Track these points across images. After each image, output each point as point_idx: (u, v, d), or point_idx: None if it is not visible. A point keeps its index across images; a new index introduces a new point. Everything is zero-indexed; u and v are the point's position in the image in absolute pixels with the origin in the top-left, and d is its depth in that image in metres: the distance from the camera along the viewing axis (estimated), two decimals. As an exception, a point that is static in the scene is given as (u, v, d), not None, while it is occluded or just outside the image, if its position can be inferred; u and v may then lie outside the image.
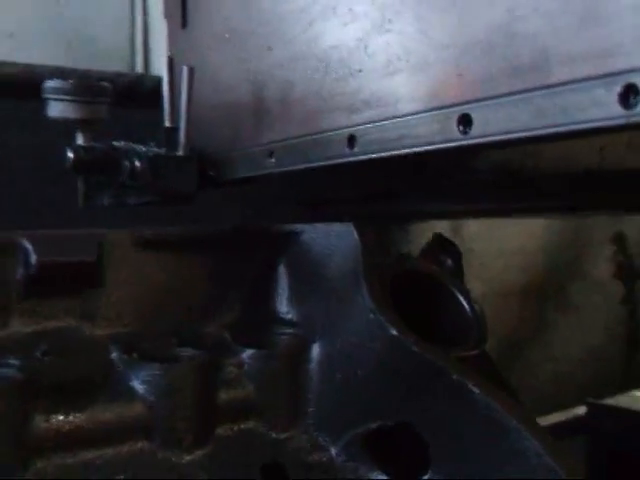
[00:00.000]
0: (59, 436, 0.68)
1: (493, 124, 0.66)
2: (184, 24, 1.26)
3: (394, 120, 0.77)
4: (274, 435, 0.80)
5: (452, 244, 0.93)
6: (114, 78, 1.43)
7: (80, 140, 1.11)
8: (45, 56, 1.69)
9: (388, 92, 0.79)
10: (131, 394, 0.72)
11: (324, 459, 0.81)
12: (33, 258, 0.72)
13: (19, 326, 0.74)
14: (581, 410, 2.06)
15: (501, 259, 2.26)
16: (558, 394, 2.25)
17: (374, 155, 0.80)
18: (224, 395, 0.78)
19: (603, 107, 0.56)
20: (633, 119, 0.54)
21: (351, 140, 0.83)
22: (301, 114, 0.95)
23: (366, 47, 0.82)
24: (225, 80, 1.13)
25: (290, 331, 0.87)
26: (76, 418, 0.68)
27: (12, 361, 0.70)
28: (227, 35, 1.12)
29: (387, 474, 0.80)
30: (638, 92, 0.54)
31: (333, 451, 0.81)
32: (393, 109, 0.78)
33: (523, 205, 1.40)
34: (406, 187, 1.16)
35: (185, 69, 1.04)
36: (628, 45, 0.55)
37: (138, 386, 0.73)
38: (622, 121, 0.55)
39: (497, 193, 1.19)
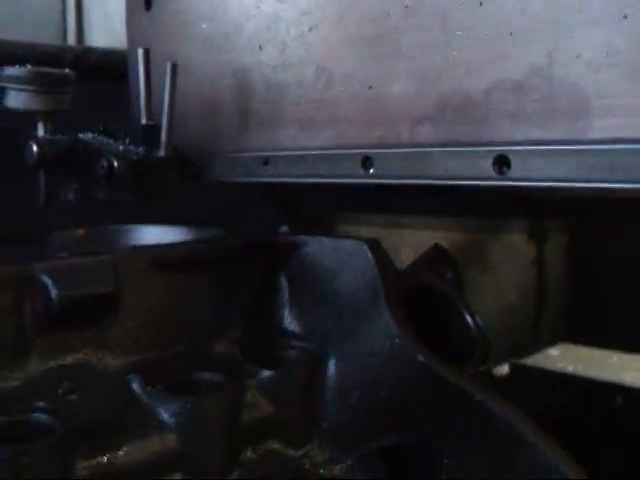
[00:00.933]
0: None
1: (532, 169, 0.67)
2: (148, 6, 1.17)
3: (416, 149, 0.76)
4: (292, 452, 0.81)
5: (449, 254, 0.95)
6: (60, 53, 1.32)
7: (42, 131, 1.03)
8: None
9: (407, 115, 0.78)
10: (162, 429, 0.70)
11: (339, 472, 0.83)
12: (53, 293, 0.67)
13: (38, 363, 0.69)
14: (504, 370, 2.19)
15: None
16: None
17: (395, 181, 0.79)
18: (246, 418, 0.77)
19: None
20: None
21: (366, 162, 0.81)
22: (301, 122, 0.92)
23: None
24: (201, 73, 1.06)
25: (298, 344, 0.87)
26: (115, 459, 0.66)
27: (40, 404, 0.66)
28: (204, 25, 1.05)
29: (401, 486, 0.83)
30: None
31: (348, 464, 0.83)
32: (412, 136, 0.77)
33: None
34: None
35: (169, 65, 0.97)
36: None
37: (168, 420, 0.70)
38: None
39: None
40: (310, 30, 0.88)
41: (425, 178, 0.74)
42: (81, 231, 1.01)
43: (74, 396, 0.70)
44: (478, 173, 0.68)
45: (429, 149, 0.73)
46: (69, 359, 0.71)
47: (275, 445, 0.80)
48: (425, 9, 0.75)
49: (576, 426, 1.83)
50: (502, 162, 0.67)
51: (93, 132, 1.06)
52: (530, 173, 0.65)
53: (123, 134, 1.03)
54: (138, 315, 0.76)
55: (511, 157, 0.66)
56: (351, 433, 0.83)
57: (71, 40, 1.68)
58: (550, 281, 2.96)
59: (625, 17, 0.60)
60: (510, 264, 2.77)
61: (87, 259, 0.71)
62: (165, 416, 0.71)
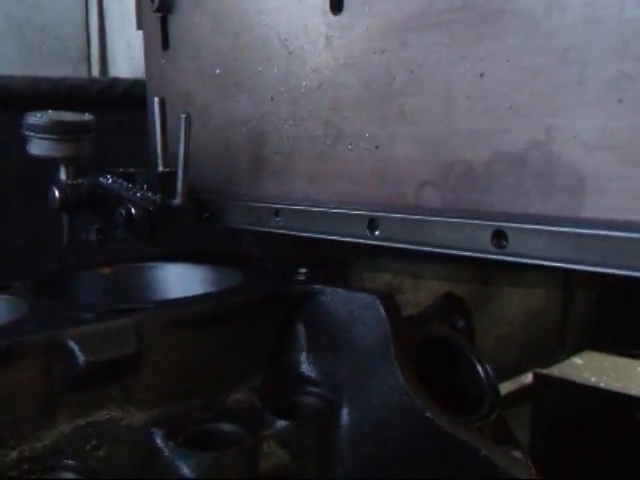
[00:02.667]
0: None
1: (529, 247, 0.69)
2: (165, 45, 1.20)
3: (420, 217, 0.79)
4: (309, 503, 0.85)
5: (461, 302, 0.97)
6: (87, 85, 1.37)
7: (64, 176, 1.08)
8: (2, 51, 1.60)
9: (412, 178, 0.80)
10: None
11: (354, 520, 0.87)
12: (80, 359, 0.72)
13: (66, 422, 0.74)
14: (527, 379, 2.20)
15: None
16: (500, 353, 2.40)
17: (397, 245, 0.82)
18: (263, 467, 0.81)
19: None
20: None
21: (372, 224, 0.84)
22: (310, 175, 0.94)
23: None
24: (216, 118, 1.10)
25: (314, 390, 0.91)
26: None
27: (69, 462, 0.71)
28: (218, 71, 1.09)
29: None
30: None
31: (361, 513, 0.87)
32: (416, 198, 0.79)
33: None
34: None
35: (183, 117, 1.01)
36: None
37: (189, 474, 0.75)
38: None
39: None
40: (319, 87, 0.91)
41: (427, 245, 0.76)
42: (106, 270, 1.06)
43: (101, 452, 0.74)
44: (477, 245, 0.71)
45: (432, 218, 0.76)
46: (95, 416, 0.76)
47: (291, 495, 0.84)
48: (429, 76, 0.77)
49: (597, 439, 1.84)
50: (500, 236, 0.69)
51: (113, 174, 1.10)
52: (527, 250, 0.67)
53: (143, 179, 1.07)
54: (159, 371, 0.81)
55: (509, 233, 0.69)
56: (364, 480, 0.87)
57: (95, 67, 1.74)
58: (576, 288, 2.95)
59: (620, 101, 0.62)
60: (536, 271, 2.78)
61: (111, 323, 0.76)
62: (186, 471, 0.75)
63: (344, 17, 0.85)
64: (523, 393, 2.25)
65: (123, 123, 1.36)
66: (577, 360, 2.34)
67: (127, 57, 1.60)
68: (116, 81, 1.38)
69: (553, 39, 0.65)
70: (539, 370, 2.15)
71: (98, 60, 1.68)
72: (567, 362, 2.30)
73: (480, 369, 0.91)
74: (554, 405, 2.09)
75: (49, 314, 0.80)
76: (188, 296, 0.92)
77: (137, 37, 1.54)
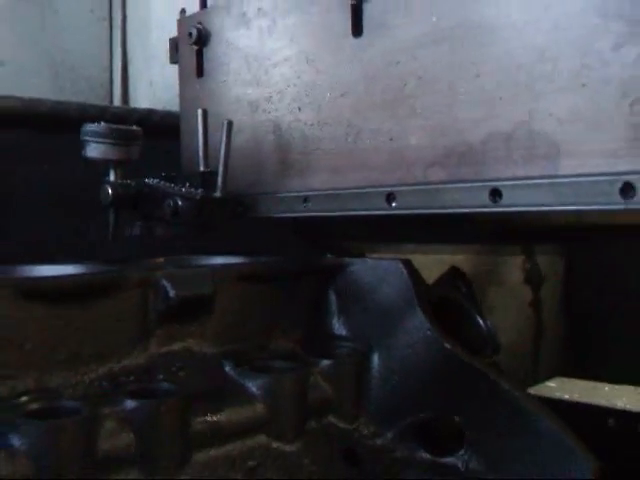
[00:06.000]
0: (207, 434, 0.86)
1: (518, 198, 0.90)
2: (200, 73, 1.43)
3: (429, 186, 1.00)
4: (345, 426, 1.02)
5: (464, 274, 1.18)
6: (127, 114, 1.58)
7: (113, 177, 1.25)
8: (33, 83, 1.81)
9: (421, 160, 1.02)
10: (251, 398, 0.92)
11: (382, 443, 1.04)
12: (171, 293, 0.90)
13: (156, 348, 0.91)
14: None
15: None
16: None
17: (413, 212, 1.03)
18: (310, 397, 0.99)
19: (608, 197, 0.81)
20: (630, 207, 0.80)
21: (389, 197, 1.05)
22: (332, 169, 1.15)
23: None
24: (247, 130, 1.30)
25: (347, 344, 1.09)
26: (218, 419, 0.87)
27: (160, 377, 0.88)
28: (250, 91, 1.31)
29: (430, 453, 1.04)
30: (634, 189, 0.79)
31: (389, 436, 1.04)
32: (425, 176, 1.01)
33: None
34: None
35: (225, 122, 1.20)
36: (625, 152, 0.81)
37: (256, 392, 0.92)
38: (622, 207, 0.81)
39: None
40: (342, 95, 1.14)
41: (437, 208, 0.97)
42: (161, 259, 1.24)
43: (182, 373, 0.92)
44: (478, 202, 0.92)
45: (439, 186, 0.97)
46: (177, 346, 0.93)
47: (332, 419, 1.02)
48: (434, 80, 1.00)
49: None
50: (495, 194, 0.91)
51: (156, 176, 1.28)
52: (517, 201, 0.89)
53: (182, 180, 1.26)
54: (227, 315, 0.99)
55: (502, 189, 0.90)
56: (391, 411, 1.05)
57: (116, 103, 1.95)
58: (546, 321, 3.18)
59: (584, 85, 0.85)
60: (508, 306, 3.01)
61: (194, 269, 0.95)
62: (253, 389, 0.92)
63: (364, 39, 1.08)
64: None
65: (156, 147, 1.55)
66: (550, 384, 2.54)
67: (148, 94, 1.81)
68: (152, 112, 1.59)
69: (532, 43, 0.89)
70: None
71: (120, 97, 1.90)
72: (541, 385, 2.50)
73: (481, 322, 1.11)
74: None
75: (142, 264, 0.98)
76: (250, 259, 1.10)
77: (160, 77, 1.77)
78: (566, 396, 2.33)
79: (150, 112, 1.59)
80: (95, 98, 1.90)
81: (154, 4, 1.81)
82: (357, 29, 1.10)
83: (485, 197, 0.93)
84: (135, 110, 1.65)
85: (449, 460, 1.03)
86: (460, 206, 0.96)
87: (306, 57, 1.18)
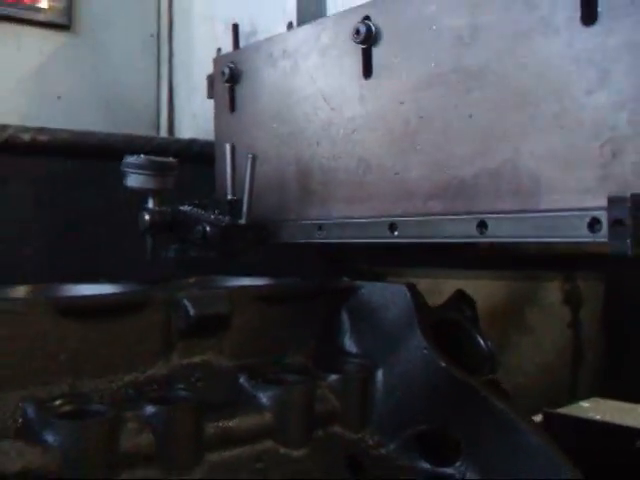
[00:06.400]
0: (219, 438, 0.97)
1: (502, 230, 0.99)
2: (233, 109, 1.56)
3: (427, 217, 1.09)
4: (351, 435, 1.12)
5: (469, 297, 1.26)
6: (171, 144, 1.72)
7: (151, 204, 1.38)
8: (86, 115, 1.98)
9: (422, 193, 1.11)
10: (261, 407, 1.02)
11: (385, 452, 1.13)
12: (192, 312, 1.02)
13: (178, 360, 1.03)
14: (537, 418, 2.42)
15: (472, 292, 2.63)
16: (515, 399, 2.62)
17: (412, 240, 1.12)
18: (318, 408, 1.09)
19: (578, 231, 0.89)
20: (597, 240, 0.87)
21: (392, 227, 1.14)
22: (346, 198, 1.26)
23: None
24: (272, 161, 1.42)
25: (355, 361, 1.19)
26: (230, 424, 0.98)
27: (180, 386, 1.00)
28: (275, 125, 1.43)
29: (430, 463, 1.12)
30: (600, 223, 0.86)
31: (392, 446, 1.13)
32: (425, 208, 1.10)
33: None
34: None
35: (250, 156, 1.32)
36: (594, 189, 0.89)
37: (265, 402, 1.03)
38: (590, 240, 0.88)
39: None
40: (353, 132, 1.24)
41: (432, 238, 1.06)
42: (192, 279, 1.36)
43: (200, 383, 1.03)
44: (466, 234, 1.01)
45: (436, 217, 1.06)
46: (197, 359, 1.05)
47: (338, 429, 1.11)
48: (433, 119, 1.09)
49: (601, 467, 2.04)
50: (482, 225, 0.99)
51: (190, 204, 1.41)
52: (501, 233, 0.97)
53: (213, 207, 1.38)
54: (244, 331, 1.10)
55: (488, 222, 0.99)
56: (394, 423, 1.14)
57: (163, 133, 2.11)
58: (585, 341, 3.19)
59: (562, 128, 0.93)
60: (547, 326, 3.04)
61: (213, 291, 1.06)
62: (264, 400, 1.03)
63: (373, 81, 1.18)
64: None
65: (197, 174, 1.68)
66: (584, 404, 2.56)
67: (191, 125, 1.96)
68: (193, 142, 1.73)
69: (517, 88, 0.98)
70: (548, 409, 2.37)
71: (166, 128, 2.05)
72: (575, 405, 2.52)
73: (482, 341, 1.18)
74: (561, 438, 2.30)
75: (166, 286, 1.11)
76: (269, 280, 1.22)
77: (201, 109, 1.91)
78: (597, 417, 2.35)
79: (191, 142, 1.73)
80: (144, 129, 2.05)
81: (197, 43, 1.95)
82: (367, 71, 1.20)
83: (473, 229, 1.02)
84: (177, 140, 1.79)
85: (447, 470, 1.11)
86: (451, 236, 1.05)
87: (323, 96, 1.29)
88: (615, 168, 0.87)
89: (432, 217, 1.08)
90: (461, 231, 1.03)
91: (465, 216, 1.03)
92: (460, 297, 1.26)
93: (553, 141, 0.94)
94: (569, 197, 0.92)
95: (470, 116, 1.04)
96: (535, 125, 0.96)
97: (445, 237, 1.05)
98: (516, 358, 2.87)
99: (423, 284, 2.26)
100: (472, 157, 1.04)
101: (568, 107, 0.93)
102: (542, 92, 0.96)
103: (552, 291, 2.96)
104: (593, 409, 2.47)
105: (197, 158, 1.70)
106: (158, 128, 2.12)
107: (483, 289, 2.64)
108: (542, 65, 0.95)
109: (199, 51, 1.96)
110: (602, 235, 0.86)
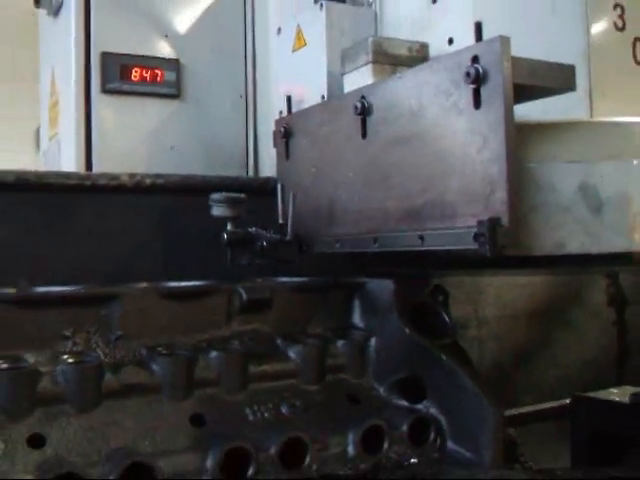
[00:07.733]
0: (257, 375, 1.56)
1: (434, 242, 1.51)
2: (287, 157, 2.15)
3: (395, 233, 1.62)
4: (352, 381, 1.67)
5: (443, 288, 1.77)
6: (251, 182, 2.35)
7: (229, 227, 1.99)
8: (192, 161, 2.64)
9: (394, 217, 1.65)
10: (289, 359, 1.60)
11: (376, 393, 1.67)
12: (244, 296, 1.62)
13: (236, 327, 1.64)
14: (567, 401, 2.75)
15: (514, 291, 3.04)
16: (556, 392, 2.99)
17: (387, 249, 1.65)
18: (329, 361, 1.65)
19: (468, 241, 1.39)
20: (478, 248, 1.38)
21: (375, 240, 1.68)
22: (353, 221, 1.80)
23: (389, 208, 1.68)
24: (311, 195, 1.99)
25: (358, 332, 1.74)
26: (267, 367, 1.56)
27: (236, 342, 1.60)
28: (313, 169, 2.00)
29: (407, 401, 1.65)
30: (482, 236, 1.37)
31: (381, 390, 1.67)
32: (396, 226, 1.63)
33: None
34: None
35: (291, 194, 1.90)
36: (480, 216, 1.39)
37: (292, 355, 1.60)
38: (474, 247, 1.38)
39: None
40: (354, 175, 1.78)
41: (397, 247, 1.59)
42: (255, 278, 1.95)
43: (250, 342, 1.62)
44: (411, 243, 1.52)
45: (399, 233, 1.59)
46: (248, 327, 1.65)
47: (343, 376, 1.67)
48: (401, 166, 1.62)
49: (628, 445, 2.36)
50: (421, 238, 1.51)
51: (256, 226, 2.01)
52: (433, 243, 1.48)
53: (273, 227, 1.97)
54: (280, 311, 1.69)
55: (425, 236, 1.50)
56: (382, 373, 1.68)
57: (250, 172, 2.74)
58: (631, 341, 3.54)
59: (465, 174, 1.44)
60: (591, 325, 3.41)
61: (259, 283, 1.66)
62: (291, 354, 1.61)
63: (367, 140, 1.73)
64: (562, 411, 2.80)
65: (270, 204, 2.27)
66: (613, 390, 2.86)
67: (271, 165, 2.55)
68: (268, 180, 2.33)
69: (444, 147, 1.49)
70: (576, 393, 2.70)
71: (253, 167, 2.69)
72: (604, 390, 2.81)
73: (446, 318, 1.70)
74: (588, 420, 2.60)
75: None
76: (298, 278, 1.80)
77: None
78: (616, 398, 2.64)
79: (267, 180, 2.33)
80: (236, 170, 2.69)
81: (273, 102, 2.56)
82: (363, 133, 1.75)
83: (416, 240, 1.54)
84: (256, 179, 2.42)
85: (418, 406, 1.63)
86: (404, 245, 1.57)
87: (336, 151, 1.86)
88: (491, 201, 1.37)
89: (398, 233, 1.61)
90: (408, 242, 1.55)
91: (413, 232, 1.55)
92: (436, 289, 1.77)
93: (462, 184, 1.45)
94: (468, 220, 1.42)
95: (418, 166, 1.57)
96: (453, 172, 1.48)
97: (403, 246, 1.58)
98: (560, 351, 3.21)
99: (467, 285, 2.73)
100: (421, 192, 1.57)
101: (467, 161, 1.44)
102: (455, 150, 1.47)
103: (595, 292, 3.28)
104: (620, 394, 2.78)
105: (271, 193, 2.31)
106: (247, 168, 2.77)
107: (524, 289, 3.05)
108: (455, 132, 1.47)
109: (275, 109, 2.58)
110: (483, 243, 1.36)
